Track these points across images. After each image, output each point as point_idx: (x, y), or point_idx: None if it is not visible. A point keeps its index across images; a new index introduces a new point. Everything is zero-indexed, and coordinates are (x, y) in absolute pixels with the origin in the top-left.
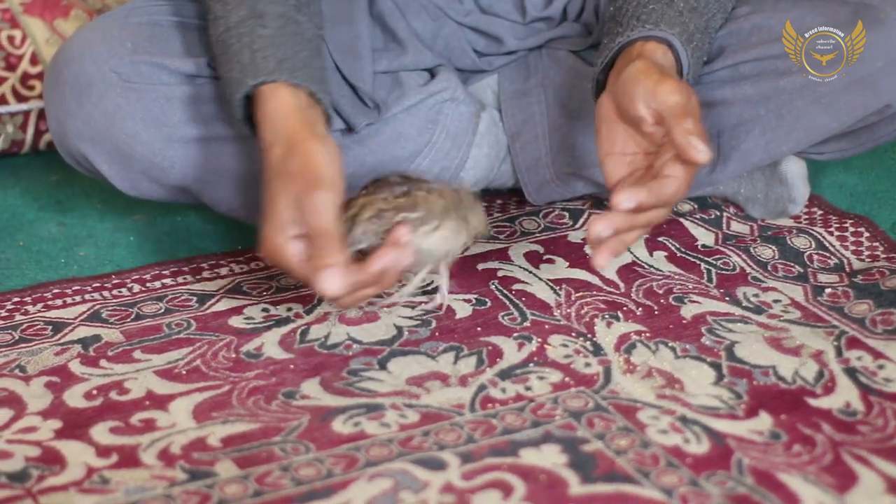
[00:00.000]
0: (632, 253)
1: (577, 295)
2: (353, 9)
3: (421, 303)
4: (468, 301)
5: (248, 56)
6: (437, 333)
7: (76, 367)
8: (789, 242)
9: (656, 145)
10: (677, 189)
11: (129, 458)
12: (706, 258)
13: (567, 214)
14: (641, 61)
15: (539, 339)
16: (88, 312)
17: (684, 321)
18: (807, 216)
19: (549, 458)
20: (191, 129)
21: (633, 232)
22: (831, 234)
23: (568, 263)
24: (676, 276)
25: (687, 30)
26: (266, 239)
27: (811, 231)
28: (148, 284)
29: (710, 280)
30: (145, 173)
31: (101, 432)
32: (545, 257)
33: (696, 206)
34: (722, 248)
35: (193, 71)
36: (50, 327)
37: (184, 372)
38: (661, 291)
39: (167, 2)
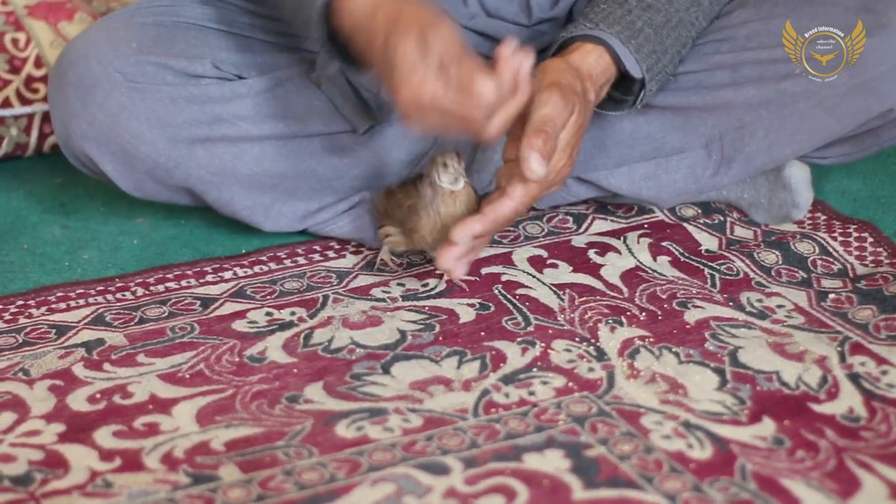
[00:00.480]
0: (635, 257)
1: (581, 300)
2: None
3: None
4: (472, 305)
5: None
6: (440, 338)
7: (80, 370)
8: (793, 248)
9: None
10: (513, 211)
11: (132, 462)
12: (710, 263)
13: (571, 219)
14: (556, 62)
15: (542, 344)
16: (92, 316)
17: (688, 326)
18: (810, 221)
19: (553, 463)
20: (195, 129)
21: (482, 244)
22: (835, 239)
23: (571, 268)
24: (680, 281)
25: (632, 27)
26: (402, 87)
27: (815, 236)
28: (151, 288)
29: (713, 285)
30: (149, 174)
31: (104, 436)
32: (549, 262)
33: (699, 211)
34: (725, 254)
35: (198, 71)
36: (53, 331)
37: (187, 376)
38: (664, 296)
39: (171, 3)
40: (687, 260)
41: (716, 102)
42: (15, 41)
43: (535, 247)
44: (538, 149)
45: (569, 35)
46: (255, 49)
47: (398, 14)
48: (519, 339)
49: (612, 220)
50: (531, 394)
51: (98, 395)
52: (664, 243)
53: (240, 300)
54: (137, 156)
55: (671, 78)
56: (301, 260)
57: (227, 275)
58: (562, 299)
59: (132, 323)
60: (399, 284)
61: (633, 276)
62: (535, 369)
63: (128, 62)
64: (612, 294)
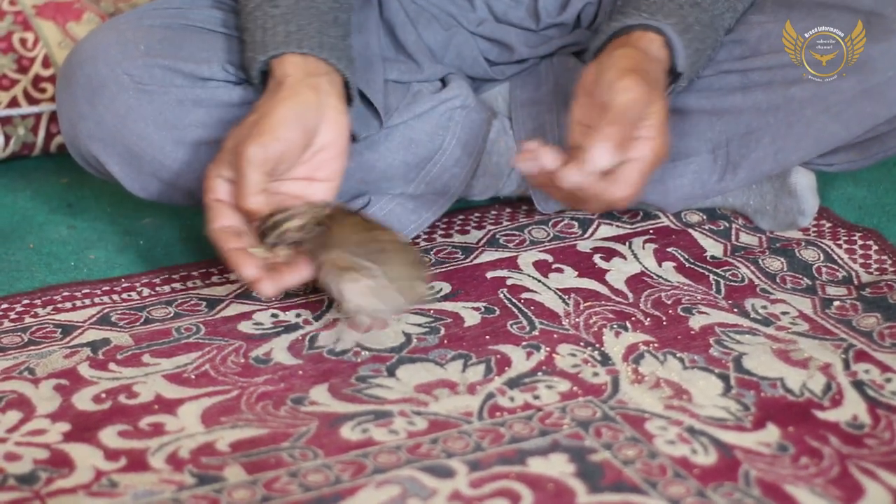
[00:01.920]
0: (640, 263)
1: (586, 304)
2: (363, 17)
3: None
4: (477, 309)
5: (260, 35)
6: (445, 341)
7: (85, 370)
8: (798, 255)
9: None
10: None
11: (137, 462)
12: (715, 269)
13: (576, 224)
14: (628, 49)
15: (547, 349)
16: (98, 316)
17: (692, 332)
18: (815, 229)
19: (557, 467)
20: (202, 132)
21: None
22: (840, 246)
23: (577, 273)
24: (685, 287)
25: (684, 21)
26: (207, 168)
27: (820, 244)
28: (157, 288)
29: (718, 291)
30: (155, 175)
31: (109, 435)
32: (554, 266)
33: (704, 217)
34: (730, 260)
35: (206, 74)
36: (59, 330)
37: (193, 376)
38: (669, 302)
39: (180, 6)
40: (692, 266)
41: (724, 107)
42: (23, 41)
43: (540, 251)
44: (608, 140)
45: (623, 24)
46: None
47: (252, 112)
48: (524, 343)
49: (617, 226)
50: (536, 398)
51: (103, 395)
52: (669, 249)
53: (245, 301)
54: (144, 157)
55: (681, 92)
56: None
57: (233, 276)
58: (567, 304)
59: (138, 323)
60: None
61: (638, 282)
62: (539, 373)
63: (136, 64)
64: (618, 299)
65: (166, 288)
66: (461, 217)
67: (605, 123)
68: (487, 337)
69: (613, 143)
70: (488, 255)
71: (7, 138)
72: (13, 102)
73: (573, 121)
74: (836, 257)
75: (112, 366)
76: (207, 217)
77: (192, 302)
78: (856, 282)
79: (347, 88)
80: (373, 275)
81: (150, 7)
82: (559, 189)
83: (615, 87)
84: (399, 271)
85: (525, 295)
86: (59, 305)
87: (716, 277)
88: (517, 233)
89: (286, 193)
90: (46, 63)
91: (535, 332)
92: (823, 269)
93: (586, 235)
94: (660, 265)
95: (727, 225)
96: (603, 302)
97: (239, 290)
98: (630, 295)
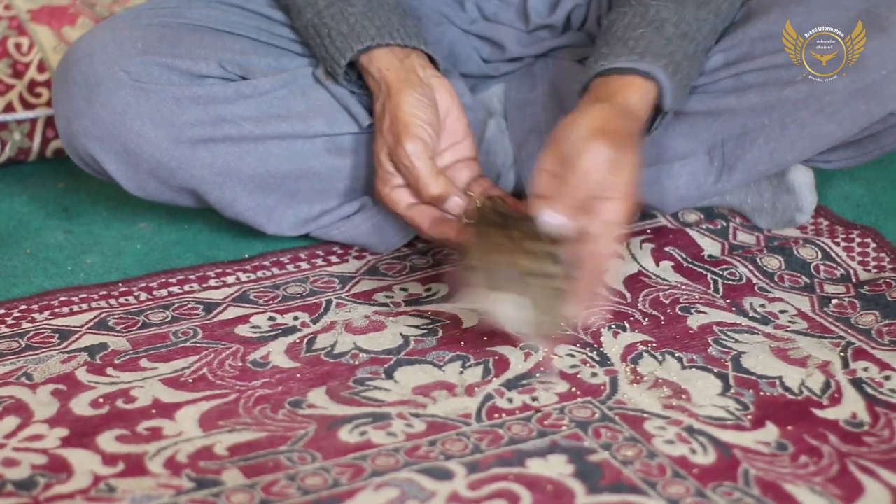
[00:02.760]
0: (638, 263)
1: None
2: None
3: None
4: (475, 310)
5: (346, 28)
6: (443, 343)
7: (83, 375)
8: (796, 253)
9: None
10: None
11: (135, 467)
12: (713, 268)
13: None
14: (604, 107)
15: (545, 349)
16: (95, 320)
17: (691, 331)
18: (813, 227)
19: (556, 468)
20: (199, 129)
21: None
22: (838, 244)
23: None
24: (683, 287)
25: (674, 60)
26: (377, 190)
27: (818, 242)
28: (154, 292)
29: (716, 290)
30: (152, 173)
31: (107, 440)
32: None
33: (702, 217)
34: (728, 259)
35: (203, 71)
36: (57, 335)
37: (190, 380)
38: (667, 302)
39: (176, 5)
40: (690, 265)
41: (719, 108)
42: (18, 46)
43: None
44: (566, 206)
45: (611, 66)
46: (260, 51)
47: (382, 115)
48: (522, 345)
49: None
50: (534, 399)
51: (101, 400)
52: (667, 248)
53: (243, 305)
54: (141, 155)
55: None
56: (304, 265)
57: (230, 279)
58: None
59: (135, 327)
60: (402, 289)
61: (635, 282)
62: (538, 374)
63: (133, 62)
64: (615, 299)
65: (163, 292)
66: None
67: (563, 190)
68: (485, 338)
69: (567, 209)
70: None
71: (3, 143)
72: (8, 107)
73: (541, 167)
74: (834, 255)
75: (110, 370)
76: (413, 226)
77: (190, 306)
78: (854, 280)
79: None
80: (515, 302)
81: (147, 6)
82: None
83: (581, 148)
84: (539, 305)
85: None
86: (57, 310)
87: (714, 276)
88: None
89: (445, 166)
90: (42, 68)
91: None
92: (821, 268)
93: None
94: (657, 265)
95: (725, 224)
96: (601, 302)
97: (236, 294)
98: (628, 295)
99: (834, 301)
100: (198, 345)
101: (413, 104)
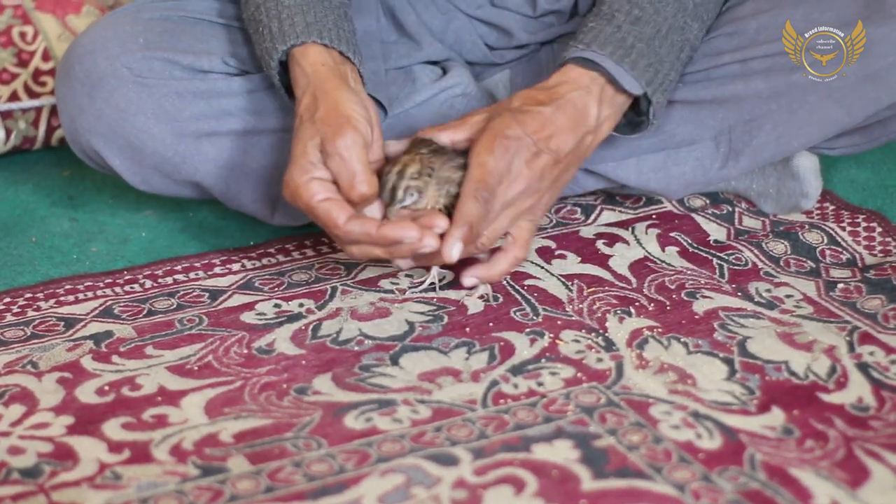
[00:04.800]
0: (644, 248)
1: (589, 290)
2: (363, 0)
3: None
4: (480, 297)
5: (276, 25)
6: (449, 329)
7: (88, 362)
8: (801, 238)
9: None
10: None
11: (141, 454)
12: (718, 253)
13: (579, 210)
14: (506, 116)
15: (551, 335)
16: (100, 308)
17: (696, 316)
18: (819, 211)
19: (562, 453)
20: (202, 124)
21: None
22: (843, 229)
23: (580, 259)
24: (688, 272)
25: (623, 45)
26: (289, 180)
27: (823, 226)
28: (160, 280)
29: (722, 275)
30: (156, 168)
31: (113, 428)
32: (557, 253)
33: (707, 202)
34: (734, 244)
35: (205, 66)
36: (62, 323)
37: (196, 368)
38: (673, 287)
39: None
40: (695, 250)
41: (725, 95)
42: (23, 34)
43: (543, 238)
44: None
45: (562, 59)
46: None
47: (316, 105)
48: (527, 330)
49: (620, 211)
50: (540, 384)
51: (106, 388)
52: (672, 234)
53: (248, 292)
54: (145, 150)
55: (679, 84)
56: (309, 252)
57: (236, 267)
58: (570, 290)
59: (140, 315)
60: (407, 276)
61: (641, 267)
62: (543, 360)
63: (135, 57)
64: (621, 285)
65: (169, 280)
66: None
67: (455, 220)
68: (491, 324)
69: (462, 240)
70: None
71: (8, 132)
72: (14, 96)
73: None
74: (839, 240)
75: (115, 358)
76: (327, 219)
77: (195, 293)
78: (860, 264)
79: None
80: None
81: (149, 0)
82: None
83: (474, 154)
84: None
85: (528, 282)
86: (62, 298)
87: (719, 261)
88: None
89: None
90: (46, 56)
91: (539, 319)
92: (827, 252)
93: (589, 221)
94: (663, 250)
95: (730, 209)
96: (606, 287)
97: (241, 281)
98: (634, 280)
99: (840, 285)
100: (203, 332)
101: (354, 101)
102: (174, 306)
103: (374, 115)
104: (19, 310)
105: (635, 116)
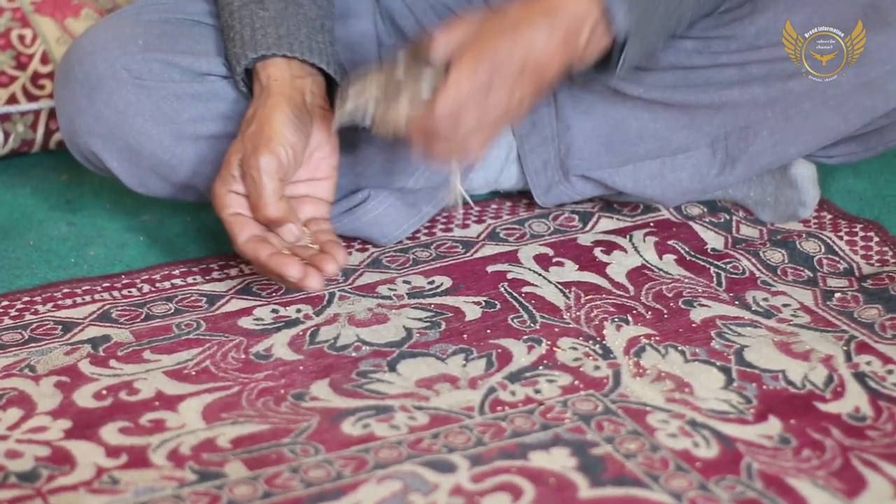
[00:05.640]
0: (641, 256)
1: (587, 298)
2: (356, 3)
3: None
4: (477, 303)
5: (249, 34)
6: (446, 335)
7: (86, 366)
8: (799, 247)
9: None
10: None
11: (138, 459)
12: (716, 262)
13: (577, 217)
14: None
15: (548, 342)
16: (98, 312)
17: (694, 325)
18: (816, 220)
19: (559, 461)
20: (200, 126)
21: None
22: (841, 238)
23: (577, 266)
24: (686, 280)
25: None
26: (213, 188)
27: (821, 235)
28: (158, 284)
29: (719, 284)
30: (154, 170)
31: (110, 432)
32: (554, 260)
33: (705, 210)
34: (731, 252)
35: (204, 69)
36: (60, 327)
37: (193, 372)
38: (670, 295)
39: (178, 0)
40: (693, 258)
41: (722, 101)
42: (21, 37)
43: (540, 245)
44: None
45: None
46: None
47: (250, 122)
48: (525, 337)
49: (617, 219)
50: (537, 392)
51: (104, 392)
52: (670, 242)
53: (246, 297)
54: (143, 153)
55: (678, 87)
56: None
57: (233, 272)
58: (568, 297)
59: (138, 319)
60: (405, 282)
61: (638, 275)
62: (541, 367)
63: (134, 59)
64: (618, 292)
65: (166, 284)
66: (461, 211)
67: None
68: (488, 331)
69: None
70: (489, 249)
71: (6, 135)
72: (12, 99)
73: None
74: (837, 249)
75: (113, 362)
76: (230, 233)
77: (193, 298)
78: (857, 273)
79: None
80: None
81: (149, 1)
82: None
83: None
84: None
85: (526, 289)
86: (60, 302)
87: (717, 270)
88: (517, 226)
89: (294, 195)
90: (45, 59)
91: (536, 326)
92: (824, 261)
93: (587, 229)
94: (660, 258)
95: (728, 217)
96: (604, 295)
97: (239, 286)
98: (631, 288)
99: (837, 295)
100: (201, 337)
101: (284, 122)
102: (172, 311)
103: (319, 137)
104: (17, 313)
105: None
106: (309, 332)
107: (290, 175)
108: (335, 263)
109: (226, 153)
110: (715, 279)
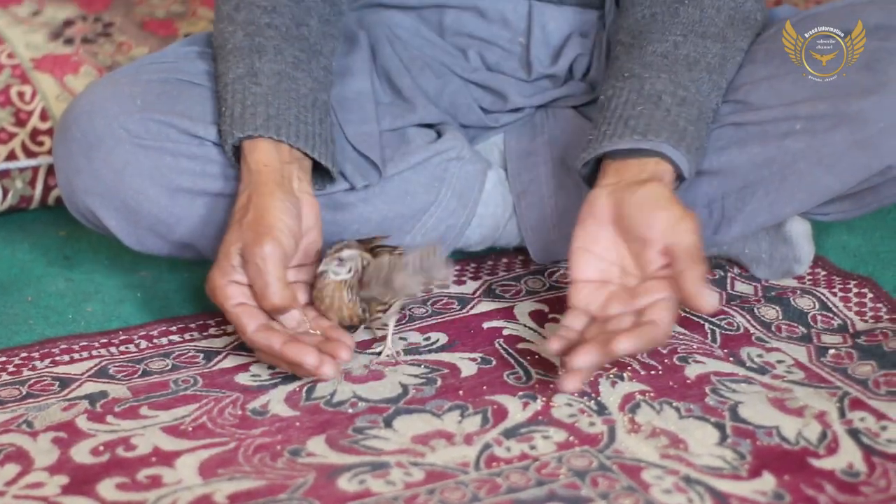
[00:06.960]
0: None
1: None
2: (351, 61)
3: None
4: (473, 360)
5: (239, 110)
6: (442, 392)
7: (83, 422)
8: (793, 303)
9: (641, 272)
10: (663, 334)
11: None
12: (710, 318)
13: None
14: (658, 187)
15: (544, 399)
16: (96, 368)
17: (688, 381)
18: (810, 277)
19: None
20: (197, 185)
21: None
22: (835, 294)
23: None
24: (681, 336)
25: (677, 129)
26: (210, 279)
27: (815, 292)
28: (155, 341)
29: (714, 340)
30: (152, 229)
31: (107, 488)
32: (550, 316)
33: None
34: (726, 309)
35: (200, 133)
36: (57, 383)
37: (190, 428)
38: (665, 351)
39: (175, 59)
40: (687, 315)
41: (721, 164)
42: (21, 94)
43: (536, 301)
44: (705, 279)
45: (614, 147)
46: None
47: (246, 209)
48: (520, 394)
49: None
50: (532, 448)
51: (101, 448)
52: None
53: (242, 353)
54: (140, 212)
55: None
56: None
57: (230, 328)
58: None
59: (135, 376)
60: (401, 339)
61: None
62: (536, 423)
63: (132, 118)
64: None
65: (164, 340)
66: (457, 267)
67: (690, 272)
68: (484, 387)
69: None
70: (484, 306)
71: (5, 191)
72: (11, 156)
73: (578, 247)
74: (831, 305)
75: (110, 418)
76: (237, 324)
77: (190, 354)
78: (851, 330)
79: (320, 166)
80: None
81: (147, 61)
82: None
83: (678, 230)
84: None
85: (521, 345)
86: (57, 358)
87: (711, 326)
88: (513, 283)
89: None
90: (44, 116)
91: (532, 382)
92: (818, 318)
93: None
94: None
95: (722, 274)
96: None
97: (236, 342)
98: None
99: (831, 351)
100: (198, 393)
101: (283, 209)
102: (169, 367)
103: (313, 217)
104: (14, 369)
105: None
106: (305, 389)
107: (290, 262)
108: (348, 350)
109: (222, 242)
110: (710, 335)
